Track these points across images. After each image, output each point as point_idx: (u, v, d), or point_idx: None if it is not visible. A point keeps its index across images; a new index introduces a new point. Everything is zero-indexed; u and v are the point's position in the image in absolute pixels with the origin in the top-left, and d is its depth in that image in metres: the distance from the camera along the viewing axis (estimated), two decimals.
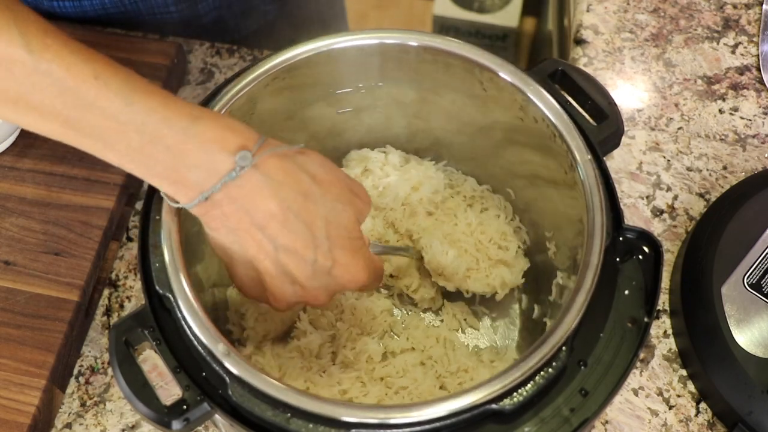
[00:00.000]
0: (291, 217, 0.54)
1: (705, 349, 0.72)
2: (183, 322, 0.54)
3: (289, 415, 0.52)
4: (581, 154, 0.61)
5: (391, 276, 0.76)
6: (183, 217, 0.58)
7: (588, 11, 0.95)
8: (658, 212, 0.82)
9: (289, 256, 0.55)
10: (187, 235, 0.59)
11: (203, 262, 0.67)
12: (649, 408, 0.73)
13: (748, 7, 0.95)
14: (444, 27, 1.98)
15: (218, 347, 0.53)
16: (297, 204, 0.54)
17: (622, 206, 0.61)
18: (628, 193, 0.83)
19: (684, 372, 0.75)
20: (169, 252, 0.56)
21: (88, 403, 0.73)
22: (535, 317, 0.73)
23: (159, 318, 0.56)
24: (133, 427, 0.72)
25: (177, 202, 0.55)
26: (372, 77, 0.70)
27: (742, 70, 0.91)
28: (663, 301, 0.78)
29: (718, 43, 0.93)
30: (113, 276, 0.79)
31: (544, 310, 0.72)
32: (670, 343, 0.76)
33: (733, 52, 0.92)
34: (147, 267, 0.57)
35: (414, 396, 0.68)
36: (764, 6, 0.95)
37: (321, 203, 0.55)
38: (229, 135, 0.53)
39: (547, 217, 0.73)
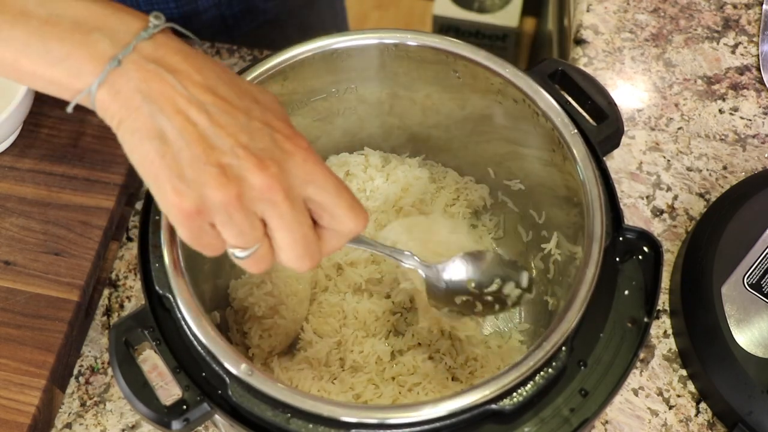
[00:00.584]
0: (214, 80, 0.48)
1: (705, 349, 0.72)
2: (183, 322, 0.54)
3: (288, 415, 0.52)
4: (581, 154, 0.61)
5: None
6: None
7: (588, 11, 0.95)
8: (658, 212, 0.82)
9: (217, 112, 0.47)
10: None
11: (204, 268, 0.67)
12: (649, 408, 0.73)
13: (748, 7, 0.95)
14: (444, 27, 1.99)
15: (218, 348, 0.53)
16: (220, 71, 0.48)
17: (622, 206, 0.61)
18: (628, 193, 0.83)
19: (684, 372, 0.75)
20: (168, 252, 0.56)
21: (88, 403, 0.73)
22: (533, 297, 0.74)
23: (159, 318, 0.56)
24: (133, 427, 0.72)
25: (79, 90, 0.48)
26: (349, 79, 0.70)
27: (742, 70, 0.91)
28: (663, 301, 0.78)
29: (718, 43, 0.93)
30: (113, 276, 0.79)
31: (543, 288, 0.72)
32: (670, 343, 0.76)
33: (733, 52, 0.92)
34: (147, 267, 0.57)
35: (428, 391, 0.68)
36: (764, 6, 0.95)
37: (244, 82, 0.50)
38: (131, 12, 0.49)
39: (534, 194, 0.73)
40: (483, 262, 0.66)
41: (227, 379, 0.53)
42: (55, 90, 0.49)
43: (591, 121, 0.64)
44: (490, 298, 0.65)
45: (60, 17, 0.48)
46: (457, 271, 0.66)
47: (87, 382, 0.74)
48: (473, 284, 0.66)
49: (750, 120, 0.88)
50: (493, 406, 0.52)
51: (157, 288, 0.56)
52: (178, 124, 0.46)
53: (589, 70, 0.89)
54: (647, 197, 0.83)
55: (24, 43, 0.47)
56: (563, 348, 0.54)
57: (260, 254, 0.49)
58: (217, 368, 0.53)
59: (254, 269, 0.50)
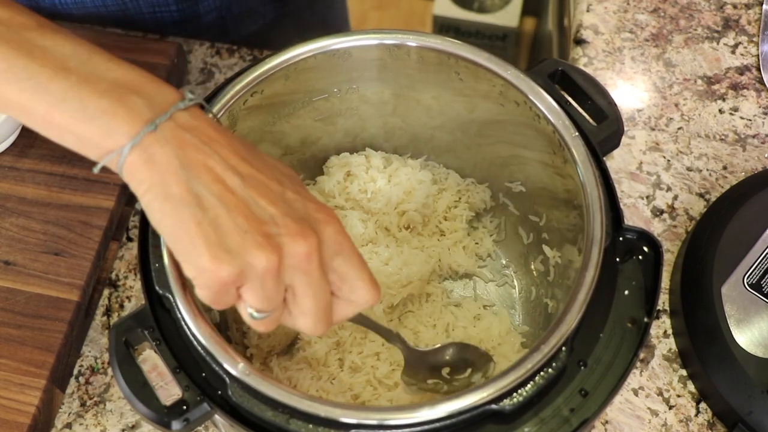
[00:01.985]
0: (246, 153, 0.48)
1: (705, 349, 0.72)
2: (182, 323, 0.54)
3: (288, 415, 0.52)
4: (582, 157, 0.61)
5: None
6: None
7: (588, 11, 0.95)
8: (658, 212, 0.82)
9: (254, 183, 0.47)
10: None
11: None
12: (649, 408, 0.73)
13: (748, 7, 0.95)
14: (444, 27, 1.99)
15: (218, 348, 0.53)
16: (248, 145, 0.50)
17: (622, 206, 0.61)
18: (628, 193, 0.83)
19: (684, 372, 0.75)
20: (168, 252, 0.56)
21: (88, 403, 0.73)
22: (533, 299, 0.74)
23: (159, 318, 0.56)
24: (133, 427, 0.72)
25: (109, 150, 0.47)
26: (351, 79, 0.70)
27: (742, 70, 0.91)
28: (663, 301, 0.78)
29: (718, 43, 0.93)
30: (113, 276, 0.79)
31: (543, 291, 0.73)
32: (670, 343, 0.76)
33: (733, 52, 0.92)
34: (147, 267, 0.57)
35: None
36: (764, 6, 0.95)
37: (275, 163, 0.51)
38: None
39: (534, 196, 0.73)
40: (464, 353, 0.67)
41: (227, 379, 0.53)
42: (84, 147, 0.49)
43: (591, 121, 0.64)
44: (457, 383, 0.66)
45: (100, 77, 0.48)
46: (438, 358, 0.67)
47: (87, 382, 0.74)
48: (448, 371, 0.66)
49: (750, 120, 0.88)
50: (493, 406, 0.52)
51: (157, 288, 0.56)
52: (217, 191, 0.46)
53: (589, 70, 0.89)
54: (647, 197, 0.83)
55: (60, 98, 0.47)
56: (563, 348, 0.54)
57: (275, 317, 0.49)
58: (216, 368, 0.53)
59: (263, 329, 0.50)
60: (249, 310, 0.49)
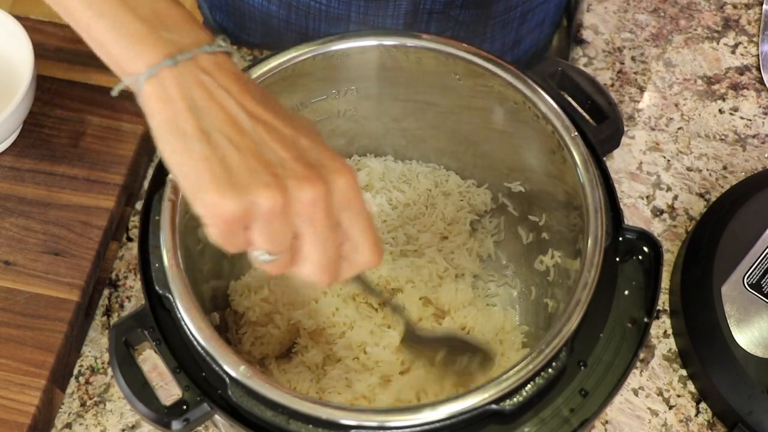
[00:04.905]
0: (263, 101, 0.49)
1: (705, 349, 0.72)
2: (182, 323, 0.54)
3: (288, 416, 0.52)
4: (581, 157, 0.61)
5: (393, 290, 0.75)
6: (182, 218, 0.58)
7: (588, 11, 0.95)
8: (658, 212, 0.82)
9: (266, 128, 0.47)
10: (186, 235, 0.59)
11: (202, 266, 0.67)
12: (649, 408, 0.73)
13: (748, 7, 0.95)
14: None
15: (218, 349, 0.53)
16: (268, 95, 0.50)
17: (622, 206, 0.61)
18: (628, 193, 0.83)
19: (684, 372, 0.75)
20: (168, 252, 0.56)
21: (88, 403, 0.73)
22: (533, 299, 0.74)
23: (159, 318, 0.56)
24: (133, 427, 0.72)
25: (129, 74, 0.48)
26: (349, 80, 0.70)
27: (742, 70, 0.91)
28: (663, 301, 0.78)
29: (718, 43, 0.93)
30: (113, 276, 0.79)
31: (543, 291, 0.72)
32: (670, 343, 0.76)
33: (733, 52, 0.92)
34: (147, 267, 0.57)
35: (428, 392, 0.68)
36: (764, 6, 0.95)
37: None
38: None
39: (534, 196, 0.73)
40: (461, 344, 0.68)
41: (227, 380, 0.53)
42: (112, 66, 0.50)
43: (591, 121, 0.64)
44: (457, 367, 0.67)
45: (142, 3, 0.49)
46: (434, 344, 0.68)
47: (87, 382, 0.74)
48: (442, 358, 0.67)
49: (750, 120, 0.88)
50: (494, 406, 0.52)
51: (157, 288, 0.56)
52: (228, 131, 0.46)
53: (589, 70, 0.90)
54: (647, 197, 0.83)
55: (99, 13, 0.48)
56: (563, 348, 0.54)
57: (283, 261, 0.49)
58: (216, 369, 0.53)
59: (272, 271, 0.50)
60: (257, 252, 0.48)
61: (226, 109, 0.47)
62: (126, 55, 0.48)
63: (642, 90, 0.90)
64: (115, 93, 0.50)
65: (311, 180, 0.46)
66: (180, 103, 0.47)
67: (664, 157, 0.85)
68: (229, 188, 0.45)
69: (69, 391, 0.74)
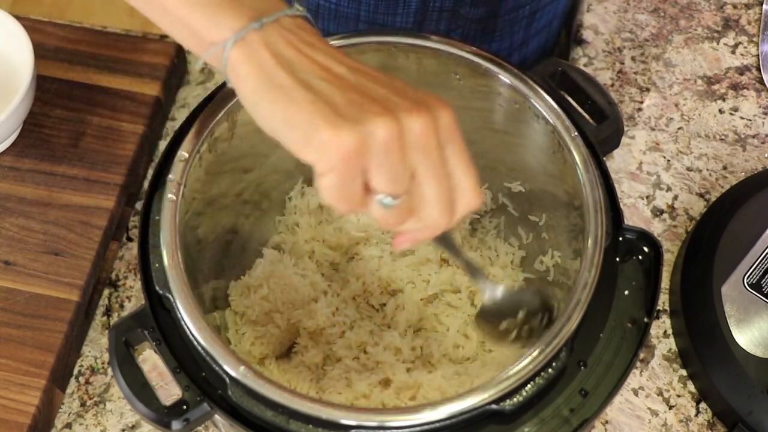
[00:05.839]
0: (349, 57, 0.49)
1: (705, 349, 0.72)
2: (182, 323, 0.54)
3: (288, 416, 0.52)
4: (581, 157, 0.61)
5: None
6: (182, 218, 0.58)
7: (588, 11, 0.95)
8: (658, 212, 0.82)
9: (361, 72, 0.47)
10: (186, 235, 0.59)
11: (203, 266, 0.67)
12: (649, 408, 0.73)
13: (748, 7, 0.95)
14: None
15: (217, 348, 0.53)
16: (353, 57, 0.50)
17: (622, 206, 0.61)
18: (628, 193, 0.83)
19: (684, 372, 0.75)
20: (168, 252, 0.56)
21: (88, 403, 0.73)
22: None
23: (159, 318, 0.56)
24: (133, 427, 0.72)
25: (213, 43, 0.48)
26: None
27: (742, 70, 0.91)
28: (663, 301, 0.78)
29: (718, 43, 0.93)
30: (113, 276, 0.79)
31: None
32: (670, 343, 0.76)
33: (733, 52, 0.92)
34: (147, 267, 0.57)
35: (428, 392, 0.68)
36: (764, 6, 0.95)
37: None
38: None
39: (534, 196, 0.73)
40: (537, 295, 0.67)
41: (227, 380, 0.53)
42: (190, 39, 0.50)
43: (591, 121, 0.64)
44: (526, 329, 0.66)
45: None
46: (515, 299, 0.67)
47: (87, 382, 0.74)
48: (522, 314, 0.66)
49: (750, 120, 0.88)
50: (494, 406, 0.52)
51: (157, 288, 0.56)
52: (326, 77, 0.47)
53: (589, 70, 0.90)
54: (647, 197, 0.83)
55: None
56: (563, 348, 0.54)
57: (405, 206, 0.48)
58: (216, 369, 0.53)
59: (394, 221, 0.48)
60: (378, 198, 0.47)
61: (318, 61, 0.47)
62: (209, 23, 0.48)
63: (642, 90, 0.90)
64: (199, 65, 0.50)
65: (419, 110, 0.46)
66: (272, 60, 0.47)
67: (664, 157, 0.85)
68: (343, 121, 0.45)
69: (69, 391, 0.74)
